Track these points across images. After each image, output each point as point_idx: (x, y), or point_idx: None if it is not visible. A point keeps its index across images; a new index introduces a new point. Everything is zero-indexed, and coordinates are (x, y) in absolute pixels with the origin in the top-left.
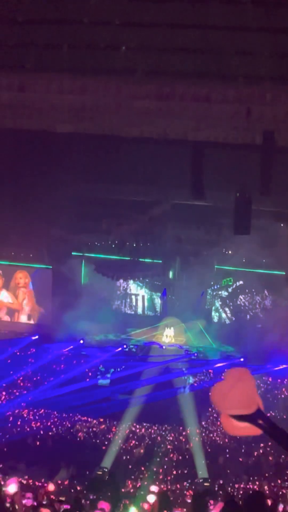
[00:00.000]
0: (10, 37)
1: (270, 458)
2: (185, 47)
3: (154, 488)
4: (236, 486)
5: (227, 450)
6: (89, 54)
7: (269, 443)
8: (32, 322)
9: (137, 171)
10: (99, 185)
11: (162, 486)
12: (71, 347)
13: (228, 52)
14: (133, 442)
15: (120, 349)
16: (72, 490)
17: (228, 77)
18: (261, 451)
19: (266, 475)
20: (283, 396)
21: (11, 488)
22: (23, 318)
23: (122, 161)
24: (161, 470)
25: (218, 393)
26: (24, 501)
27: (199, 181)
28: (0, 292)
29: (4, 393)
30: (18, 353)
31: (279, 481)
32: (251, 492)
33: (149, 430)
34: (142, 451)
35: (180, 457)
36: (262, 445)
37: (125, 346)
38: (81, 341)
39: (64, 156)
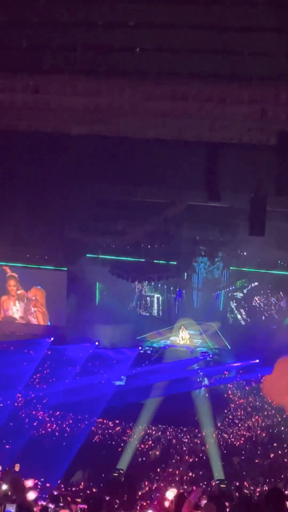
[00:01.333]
0: (25, 39)
1: (286, 459)
2: (199, 48)
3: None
4: (252, 488)
5: (243, 452)
6: (103, 56)
7: (285, 445)
8: (46, 324)
9: (151, 173)
10: (114, 187)
11: (178, 489)
12: (87, 349)
13: (242, 53)
14: (149, 444)
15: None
16: (88, 492)
17: (242, 78)
18: (279, 452)
19: (282, 476)
20: None
21: (31, 495)
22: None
23: (136, 163)
24: (177, 472)
25: (267, 384)
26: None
27: (213, 182)
28: (15, 303)
29: (20, 395)
30: (33, 355)
31: None
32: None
33: (165, 432)
34: (157, 453)
35: (196, 459)
36: (275, 444)
37: (140, 348)
38: (96, 343)
39: (79, 158)
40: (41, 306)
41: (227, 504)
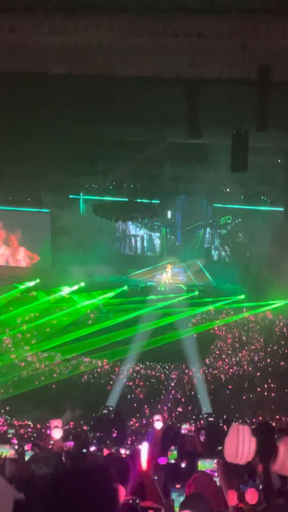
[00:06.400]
0: None
1: (273, 394)
2: None
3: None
4: (240, 421)
5: (230, 387)
6: None
7: (269, 379)
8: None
9: (132, 111)
10: (95, 126)
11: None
12: (72, 289)
13: None
14: (137, 381)
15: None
16: (79, 429)
17: (221, 12)
18: (265, 385)
19: (272, 407)
20: (277, 328)
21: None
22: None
23: (117, 101)
24: (165, 408)
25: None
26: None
27: (195, 119)
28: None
29: (8, 337)
30: (19, 298)
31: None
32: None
33: (153, 369)
34: (146, 389)
35: (184, 395)
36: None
37: (125, 288)
38: (82, 284)
39: (58, 98)
40: (25, 249)
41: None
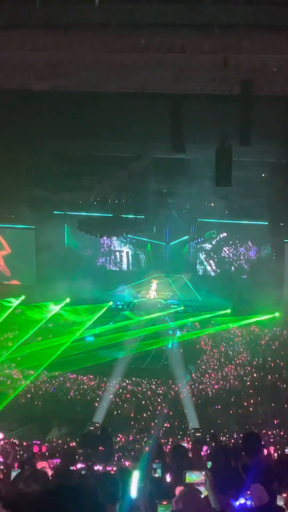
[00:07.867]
0: None
1: (259, 407)
2: None
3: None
4: (228, 436)
5: (219, 406)
6: (62, 9)
7: (256, 395)
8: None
9: (116, 127)
10: (79, 142)
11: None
12: (58, 306)
13: (202, 1)
14: (123, 397)
15: (106, 306)
16: (66, 446)
17: (203, 27)
18: (251, 400)
19: (259, 421)
20: (263, 342)
21: None
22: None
23: (100, 117)
24: (152, 424)
25: None
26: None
27: (178, 134)
28: None
29: None
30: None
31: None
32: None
33: (139, 384)
34: (132, 405)
35: (171, 410)
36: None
37: (111, 303)
38: (67, 300)
39: (42, 114)
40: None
41: (204, 448)
